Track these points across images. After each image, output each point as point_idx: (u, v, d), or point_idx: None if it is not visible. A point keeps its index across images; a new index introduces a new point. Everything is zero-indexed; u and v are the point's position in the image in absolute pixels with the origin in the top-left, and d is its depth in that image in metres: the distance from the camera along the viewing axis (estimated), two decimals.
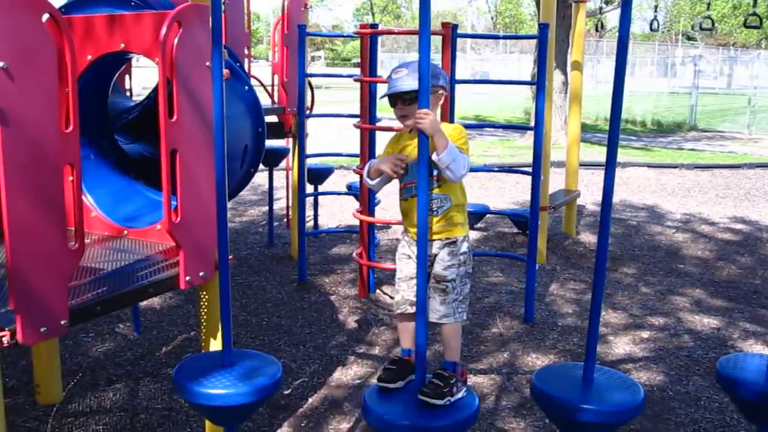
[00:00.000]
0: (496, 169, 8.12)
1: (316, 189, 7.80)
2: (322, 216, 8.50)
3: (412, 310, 3.03)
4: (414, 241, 2.93)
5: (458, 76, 5.33)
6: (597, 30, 14.52)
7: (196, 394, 2.81)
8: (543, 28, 5.24)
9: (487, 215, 8.42)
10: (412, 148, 2.99)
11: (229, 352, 2.97)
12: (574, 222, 8.13)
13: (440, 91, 3.08)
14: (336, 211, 9.29)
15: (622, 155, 15.02)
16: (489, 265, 6.83)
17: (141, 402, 4.11)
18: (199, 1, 3.14)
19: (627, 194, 10.77)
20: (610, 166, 2.81)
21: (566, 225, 8.09)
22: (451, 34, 5.12)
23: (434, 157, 2.83)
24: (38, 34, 2.37)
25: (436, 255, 3.04)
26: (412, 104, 2.92)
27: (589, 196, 10.43)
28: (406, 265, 3.10)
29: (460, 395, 2.91)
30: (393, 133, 3.33)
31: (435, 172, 2.95)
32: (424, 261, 2.75)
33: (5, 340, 2.39)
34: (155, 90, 4.68)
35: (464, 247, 3.06)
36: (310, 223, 8.00)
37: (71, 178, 2.58)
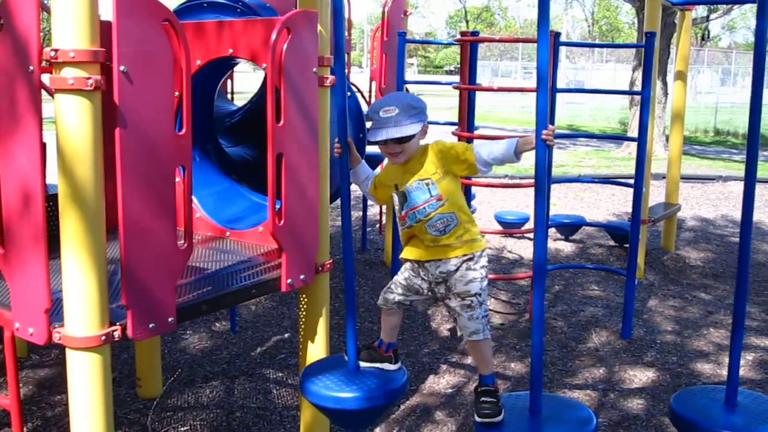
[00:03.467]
0: (596, 180, 7.93)
1: None
2: None
3: (395, 308, 3.17)
4: (425, 263, 3.02)
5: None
6: (703, 39, 14.07)
7: (323, 398, 2.91)
8: (649, 36, 5.10)
9: (583, 227, 8.25)
10: (404, 176, 3.01)
11: (354, 357, 3.06)
12: (674, 236, 7.89)
13: (426, 126, 3.04)
14: None
15: (723, 169, 14.51)
16: (585, 277, 6.69)
17: (236, 400, 4.18)
18: (308, 8, 3.18)
19: (729, 209, 10.38)
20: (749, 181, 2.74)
21: (665, 239, 7.86)
22: (553, 42, 5.04)
23: (513, 155, 2.93)
24: (156, 40, 2.45)
25: (449, 272, 3.00)
26: (406, 143, 2.94)
27: (689, 209, 10.11)
28: (414, 279, 3.09)
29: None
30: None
31: (437, 192, 2.95)
32: (543, 263, 2.73)
33: (116, 334, 2.47)
34: (258, 94, 4.76)
35: (483, 261, 3.03)
36: None
37: (177, 179, 2.65)
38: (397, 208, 3.07)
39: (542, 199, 2.76)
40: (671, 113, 8.25)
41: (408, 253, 3.08)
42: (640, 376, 4.62)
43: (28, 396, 4.15)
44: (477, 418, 2.94)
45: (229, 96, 5.45)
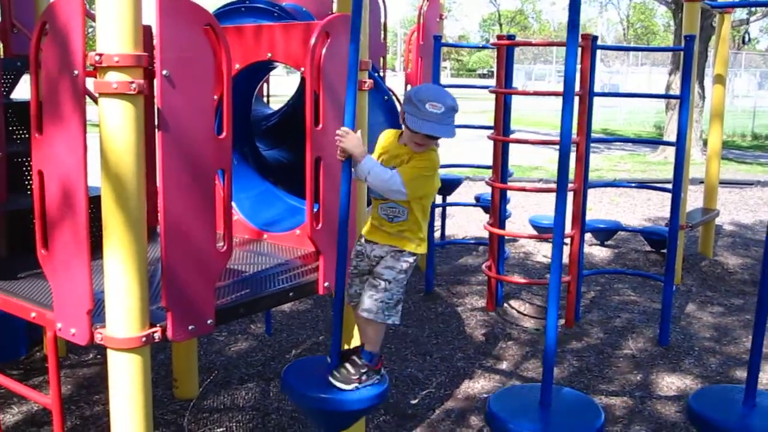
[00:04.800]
0: (632, 184, 7.86)
1: (444, 200, 7.79)
2: (447, 227, 8.48)
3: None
4: (366, 242, 3.02)
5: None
6: (743, 42, 13.86)
7: (301, 396, 2.90)
8: (689, 40, 5.04)
9: (619, 232, 8.17)
10: (394, 158, 2.97)
11: (336, 359, 3.03)
12: (712, 242, 7.77)
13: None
14: (462, 222, 9.25)
15: (762, 174, 14.30)
16: (621, 283, 6.63)
17: (272, 402, 4.20)
18: (346, 12, 3.19)
19: (767, 214, 10.24)
20: None
21: (703, 245, 7.75)
22: (590, 45, 5.01)
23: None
24: (198, 44, 2.47)
25: (380, 257, 3.00)
26: (434, 140, 2.93)
27: (727, 215, 9.95)
28: (360, 262, 3.08)
29: (370, 382, 2.98)
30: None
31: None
32: (559, 268, 2.71)
33: (156, 336, 2.49)
34: (294, 98, 4.79)
35: (410, 260, 3.00)
36: (437, 234, 7.99)
37: (216, 182, 2.67)
38: None
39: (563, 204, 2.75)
40: (709, 117, 8.13)
41: (364, 227, 3.12)
42: (678, 384, 4.56)
43: (67, 395, 4.20)
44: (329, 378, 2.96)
45: (264, 99, 5.49)
